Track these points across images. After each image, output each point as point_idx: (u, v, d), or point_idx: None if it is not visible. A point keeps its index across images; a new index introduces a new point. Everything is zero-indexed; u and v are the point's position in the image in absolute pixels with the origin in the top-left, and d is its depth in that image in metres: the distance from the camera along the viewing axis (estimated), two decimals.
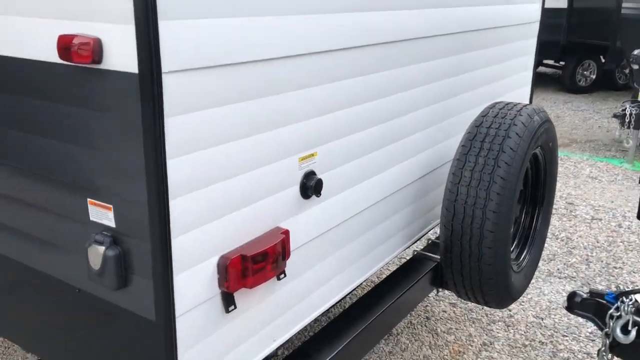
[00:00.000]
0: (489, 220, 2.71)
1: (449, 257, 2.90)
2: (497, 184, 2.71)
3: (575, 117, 10.79)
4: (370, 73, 2.52)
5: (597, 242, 5.47)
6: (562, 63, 13.18)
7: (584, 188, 6.90)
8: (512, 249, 3.32)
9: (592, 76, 12.82)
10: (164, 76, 1.61)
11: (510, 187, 2.73)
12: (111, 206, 1.84)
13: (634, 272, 4.90)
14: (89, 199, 1.88)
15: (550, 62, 13.63)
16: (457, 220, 2.81)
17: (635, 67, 7.94)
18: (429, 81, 3.01)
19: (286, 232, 2.13)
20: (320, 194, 2.29)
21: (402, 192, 2.99)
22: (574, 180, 7.17)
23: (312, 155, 2.27)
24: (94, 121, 1.78)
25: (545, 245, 5.01)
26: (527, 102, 4.73)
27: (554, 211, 5.99)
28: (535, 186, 3.48)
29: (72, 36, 1.70)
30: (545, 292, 4.58)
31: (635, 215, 5.89)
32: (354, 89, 2.43)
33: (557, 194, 6.53)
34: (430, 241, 3.39)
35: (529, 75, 4.69)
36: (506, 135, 2.81)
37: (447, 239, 2.88)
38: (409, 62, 2.80)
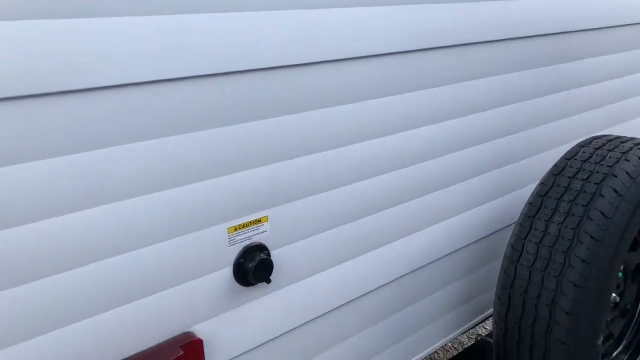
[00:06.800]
0: (560, 324, 1.77)
1: None
2: (575, 268, 1.77)
3: None
4: (375, 95, 1.68)
5: None
6: None
7: None
8: (613, 356, 2.32)
9: None
10: None
11: (597, 274, 1.77)
12: None
13: None
14: None
15: None
16: (514, 317, 1.88)
17: None
18: (488, 106, 2.10)
19: (195, 344, 1.31)
20: (270, 280, 1.46)
21: (428, 270, 2.06)
22: None
23: (258, 221, 1.44)
24: None
25: None
26: None
27: None
28: None
29: None
30: None
31: None
32: (345, 119, 1.59)
33: None
34: (479, 338, 2.44)
35: None
36: (597, 191, 1.86)
37: (499, 342, 1.95)
38: (456, 77, 1.92)
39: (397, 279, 1.91)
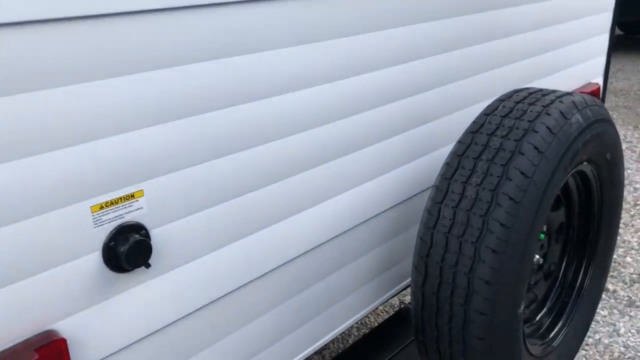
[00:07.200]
0: (478, 294, 1.65)
1: (422, 341, 1.85)
2: (494, 233, 1.64)
3: None
4: (268, 47, 1.49)
5: None
6: None
7: None
8: (536, 320, 2.24)
9: None
10: None
11: (518, 239, 1.65)
12: None
13: None
14: None
15: None
16: (431, 287, 1.75)
17: None
18: (398, 60, 1.93)
19: (55, 345, 1.13)
20: (150, 265, 1.28)
21: (342, 240, 1.90)
22: None
23: (131, 197, 1.25)
24: None
25: (628, 260, 3.86)
26: (600, 81, 3.45)
27: None
28: (585, 220, 2.34)
29: None
30: (622, 332, 3.34)
31: None
32: (235, 74, 1.40)
33: None
34: (403, 305, 2.33)
35: (602, 41, 3.34)
36: (517, 149, 1.73)
37: (417, 314, 1.82)
38: (361, 28, 1.75)
39: (307, 251, 1.76)
